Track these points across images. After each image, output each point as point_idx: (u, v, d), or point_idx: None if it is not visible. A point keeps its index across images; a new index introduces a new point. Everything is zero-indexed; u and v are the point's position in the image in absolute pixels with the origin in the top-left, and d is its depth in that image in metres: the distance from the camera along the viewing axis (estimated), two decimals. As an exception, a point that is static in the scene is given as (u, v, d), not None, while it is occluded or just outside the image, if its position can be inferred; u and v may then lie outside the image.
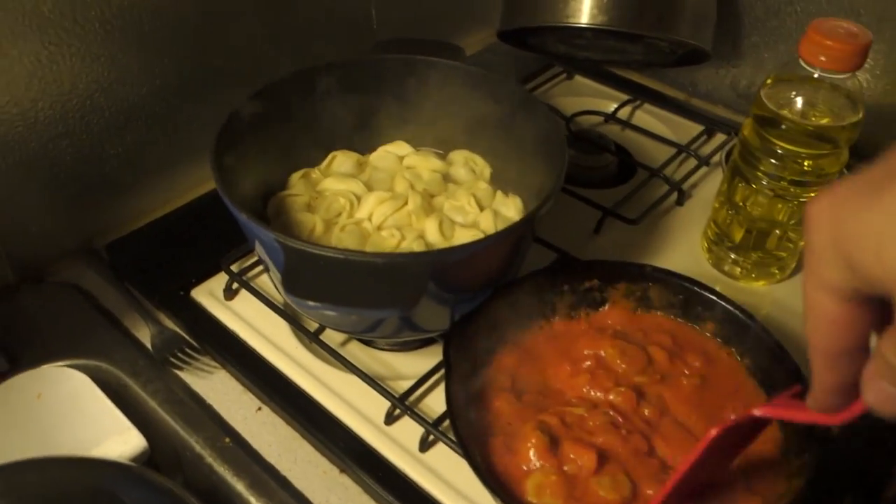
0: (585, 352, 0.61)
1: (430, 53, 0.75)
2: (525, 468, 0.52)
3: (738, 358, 0.60)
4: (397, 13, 0.96)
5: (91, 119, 0.67)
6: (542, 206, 0.57)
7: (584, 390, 0.58)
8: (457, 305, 0.60)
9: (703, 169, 0.88)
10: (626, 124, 0.96)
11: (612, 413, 0.56)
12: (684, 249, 0.78)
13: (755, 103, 0.67)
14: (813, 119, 0.64)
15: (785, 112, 0.64)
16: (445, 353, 0.55)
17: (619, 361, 0.60)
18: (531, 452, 0.52)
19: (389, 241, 0.66)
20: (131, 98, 0.70)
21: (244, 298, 0.71)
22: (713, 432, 0.48)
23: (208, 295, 0.71)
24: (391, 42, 0.77)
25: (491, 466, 0.52)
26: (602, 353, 0.60)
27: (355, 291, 0.50)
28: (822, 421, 0.41)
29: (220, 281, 0.72)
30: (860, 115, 0.63)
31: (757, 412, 0.47)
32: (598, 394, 0.57)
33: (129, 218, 0.78)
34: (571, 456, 0.52)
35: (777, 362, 0.58)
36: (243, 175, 0.65)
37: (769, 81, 0.66)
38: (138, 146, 0.74)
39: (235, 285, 0.71)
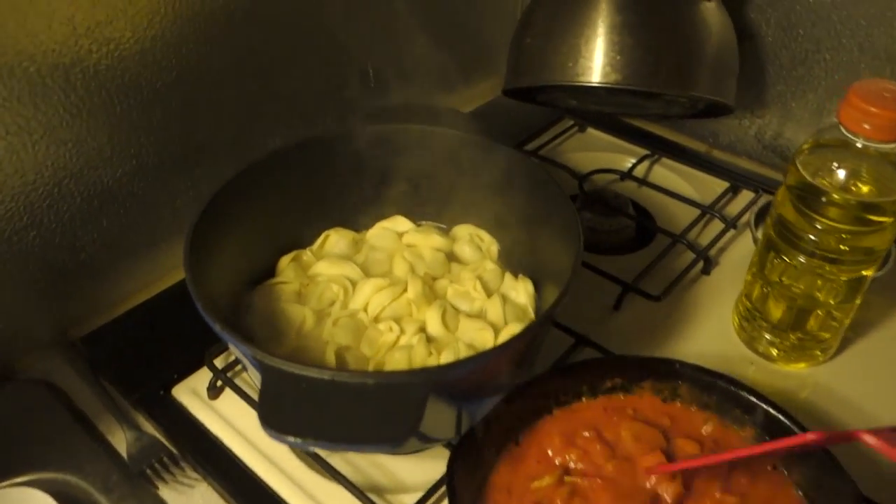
0: (586, 433, 0.54)
1: (426, 119, 0.69)
2: None
3: (785, 471, 0.52)
4: (396, 68, 0.90)
5: (60, 207, 0.62)
6: (557, 303, 0.51)
7: (560, 460, 0.52)
8: (463, 411, 0.53)
9: (731, 232, 0.81)
10: (644, 182, 0.89)
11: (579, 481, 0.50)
12: (713, 326, 0.71)
13: (790, 172, 0.60)
14: (855, 191, 0.57)
15: (824, 183, 0.57)
16: (450, 481, 0.49)
17: (630, 445, 0.53)
18: None
19: (387, 335, 0.59)
20: (105, 181, 0.64)
21: (229, 397, 0.64)
22: (810, 436, 0.44)
23: (190, 393, 0.65)
24: (382, 110, 0.71)
25: None
26: (607, 435, 0.54)
27: (343, 421, 0.43)
28: None
29: (203, 377, 0.65)
30: (911, 187, 0.56)
31: (868, 439, 0.41)
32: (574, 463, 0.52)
33: (109, 304, 0.72)
34: None
35: (830, 476, 0.50)
36: (225, 266, 0.60)
37: (805, 147, 0.60)
38: (116, 229, 0.68)
39: (220, 383, 0.65)
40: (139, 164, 0.66)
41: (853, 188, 0.58)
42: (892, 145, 0.55)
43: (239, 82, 0.70)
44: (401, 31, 0.89)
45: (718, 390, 0.55)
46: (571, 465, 0.53)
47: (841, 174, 0.57)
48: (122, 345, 0.69)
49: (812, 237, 0.59)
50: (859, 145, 0.56)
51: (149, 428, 0.64)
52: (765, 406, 0.53)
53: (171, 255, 0.75)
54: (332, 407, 0.44)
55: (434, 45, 0.97)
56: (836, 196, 0.57)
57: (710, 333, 0.70)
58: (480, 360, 0.46)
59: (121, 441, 0.62)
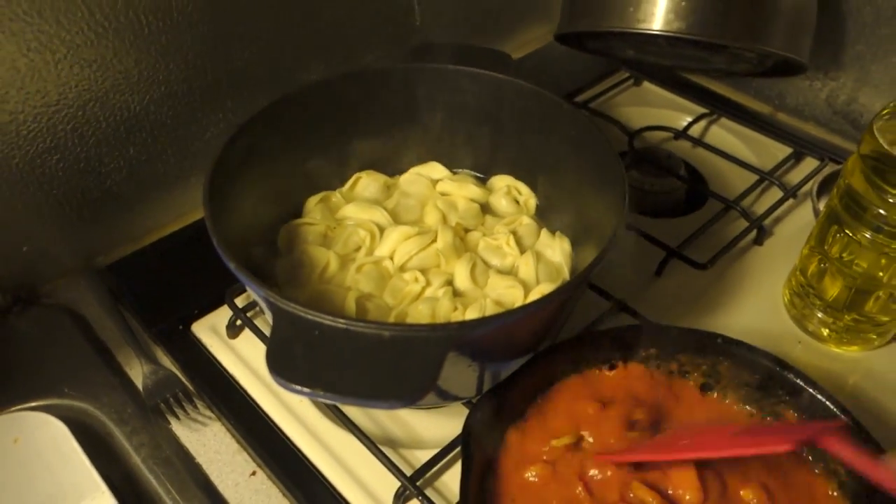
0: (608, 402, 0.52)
1: (474, 61, 0.65)
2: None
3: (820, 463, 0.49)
4: (443, 6, 0.85)
5: (85, 131, 0.60)
6: (595, 264, 0.47)
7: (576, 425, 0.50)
8: (486, 371, 0.50)
9: (790, 201, 0.75)
10: (699, 142, 0.84)
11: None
12: (761, 300, 0.67)
13: (865, 140, 0.54)
14: (938, 163, 0.52)
15: (903, 153, 0.52)
16: (465, 443, 0.46)
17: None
18: None
19: (412, 286, 0.57)
20: (132, 107, 0.62)
21: (248, 338, 0.63)
22: (783, 448, 0.43)
23: (209, 331, 0.63)
24: (428, 47, 0.67)
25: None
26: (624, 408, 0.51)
27: (355, 373, 0.41)
28: None
29: (224, 315, 0.64)
30: None
31: (833, 445, 0.43)
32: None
33: (135, 235, 0.71)
34: None
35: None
36: (249, 203, 0.57)
37: (885, 113, 0.54)
38: (143, 158, 0.66)
39: (239, 322, 0.63)
40: (168, 91, 0.63)
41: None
42: None
43: (278, 10, 0.67)
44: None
45: (762, 370, 0.51)
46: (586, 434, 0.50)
47: (923, 143, 0.51)
48: (144, 276, 0.68)
49: (881, 211, 0.54)
50: (948, 112, 0.50)
51: (166, 362, 0.63)
52: (811, 390, 0.49)
53: (201, 188, 0.73)
54: (346, 358, 0.41)
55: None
56: (914, 168, 0.51)
57: (758, 308, 0.66)
58: (506, 318, 0.43)
59: (138, 374, 0.61)
